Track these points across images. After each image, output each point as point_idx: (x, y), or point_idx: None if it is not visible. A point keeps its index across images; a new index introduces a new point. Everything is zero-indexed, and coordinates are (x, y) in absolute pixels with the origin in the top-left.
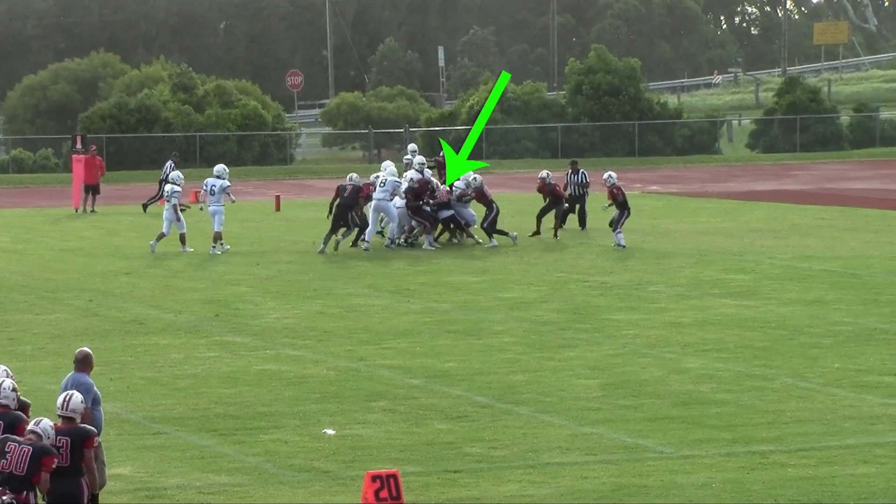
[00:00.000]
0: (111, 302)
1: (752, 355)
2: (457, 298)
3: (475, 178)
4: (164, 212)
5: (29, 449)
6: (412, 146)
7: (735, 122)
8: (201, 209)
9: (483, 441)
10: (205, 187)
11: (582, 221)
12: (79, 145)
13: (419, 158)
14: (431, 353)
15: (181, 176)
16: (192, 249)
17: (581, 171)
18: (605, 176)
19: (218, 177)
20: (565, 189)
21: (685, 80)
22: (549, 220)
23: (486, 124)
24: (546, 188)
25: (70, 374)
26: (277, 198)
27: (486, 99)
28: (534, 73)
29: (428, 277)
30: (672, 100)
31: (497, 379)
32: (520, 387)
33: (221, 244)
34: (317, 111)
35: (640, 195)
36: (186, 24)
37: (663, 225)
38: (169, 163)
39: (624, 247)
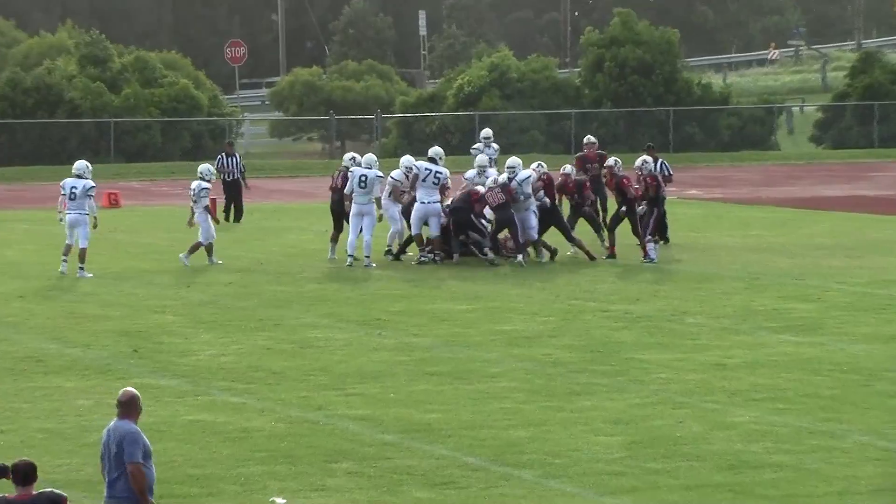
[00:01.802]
0: (0, 333)
1: (816, 406)
2: (441, 331)
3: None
4: (197, 216)
5: None
6: (487, 132)
7: (796, 110)
8: (60, 220)
9: None
10: (62, 190)
11: (662, 230)
12: None
13: (481, 158)
14: (409, 400)
15: (211, 169)
16: (221, 262)
17: (661, 160)
18: (639, 162)
19: (78, 176)
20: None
21: (733, 55)
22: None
23: (482, 110)
24: (612, 181)
25: (112, 423)
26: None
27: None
28: (541, 46)
29: (405, 304)
30: (717, 80)
31: (492, 434)
32: (521, 445)
33: (80, 268)
34: (264, 92)
35: (675, 201)
36: None
37: (704, 239)
38: (220, 156)
39: (654, 260)
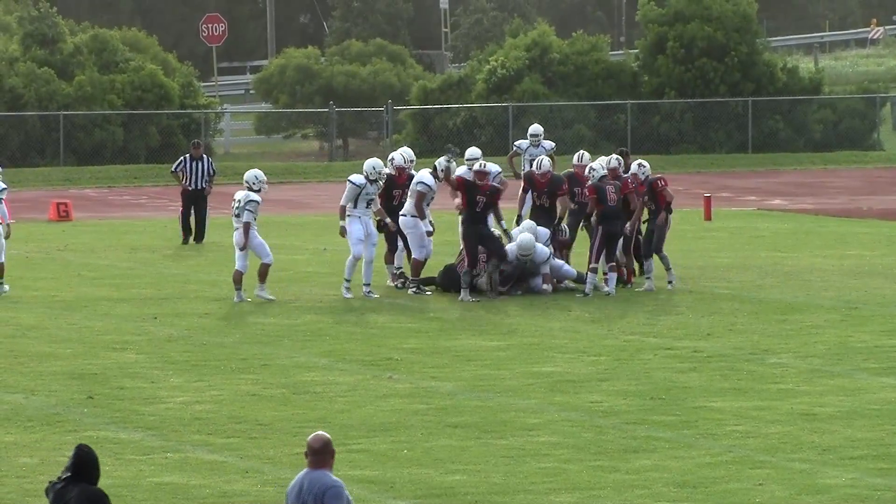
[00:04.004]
0: None
1: None
2: (466, 374)
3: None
4: (235, 235)
5: None
6: (536, 128)
7: None
8: None
9: None
10: None
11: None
12: None
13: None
14: (426, 459)
15: (260, 177)
16: (273, 297)
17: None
18: (635, 167)
19: None
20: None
21: (826, 33)
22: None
23: (518, 99)
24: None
25: (304, 474)
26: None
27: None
28: (590, 22)
29: (421, 340)
30: (806, 64)
31: (529, 500)
32: None
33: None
34: (248, 79)
35: (754, 213)
36: None
37: (791, 260)
38: (183, 158)
39: (670, 284)
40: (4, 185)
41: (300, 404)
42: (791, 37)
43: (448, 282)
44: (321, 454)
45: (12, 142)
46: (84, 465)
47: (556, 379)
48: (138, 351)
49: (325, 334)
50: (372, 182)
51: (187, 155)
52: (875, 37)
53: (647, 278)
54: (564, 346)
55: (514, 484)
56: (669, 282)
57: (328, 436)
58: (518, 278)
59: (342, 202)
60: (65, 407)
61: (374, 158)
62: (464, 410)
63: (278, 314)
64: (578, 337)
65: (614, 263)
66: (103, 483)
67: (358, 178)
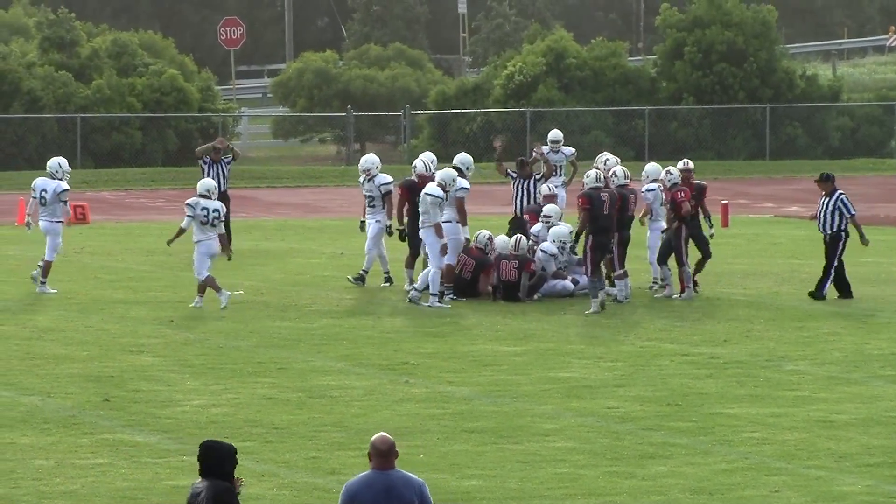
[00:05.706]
0: None
1: None
2: (483, 379)
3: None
4: (213, 244)
5: None
6: (556, 133)
7: None
8: (29, 227)
9: None
10: (33, 193)
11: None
12: None
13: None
14: (442, 464)
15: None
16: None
17: (669, 170)
18: (663, 174)
19: (52, 175)
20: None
21: (845, 40)
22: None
23: (535, 104)
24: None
25: (374, 475)
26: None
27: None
28: (608, 27)
29: (438, 345)
30: (824, 71)
31: None
32: None
33: (42, 282)
34: (266, 82)
35: (771, 220)
36: None
37: (807, 267)
38: (206, 162)
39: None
40: (67, 187)
41: (316, 408)
42: (809, 44)
43: (456, 290)
44: (388, 455)
45: (30, 144)
46: (209, 460)
47: (572, 384)
48: (155, 354)
49: (341, 338)
50: (448, 191)
51: (208, 158)
52: (893, 44)
53: (666, 284)
54: (581, 352)
55: (529, 489)
56: (651, 288)
57: (391, 437)
58: (536, 284)
59: (438, 220)
60: (81, 409)
61: (447, 168)
62: (480, 415)
63: (295, 318)
64: (595, 342)
65: (626, 270)
66: (119, 486)
67: (439, 191)
